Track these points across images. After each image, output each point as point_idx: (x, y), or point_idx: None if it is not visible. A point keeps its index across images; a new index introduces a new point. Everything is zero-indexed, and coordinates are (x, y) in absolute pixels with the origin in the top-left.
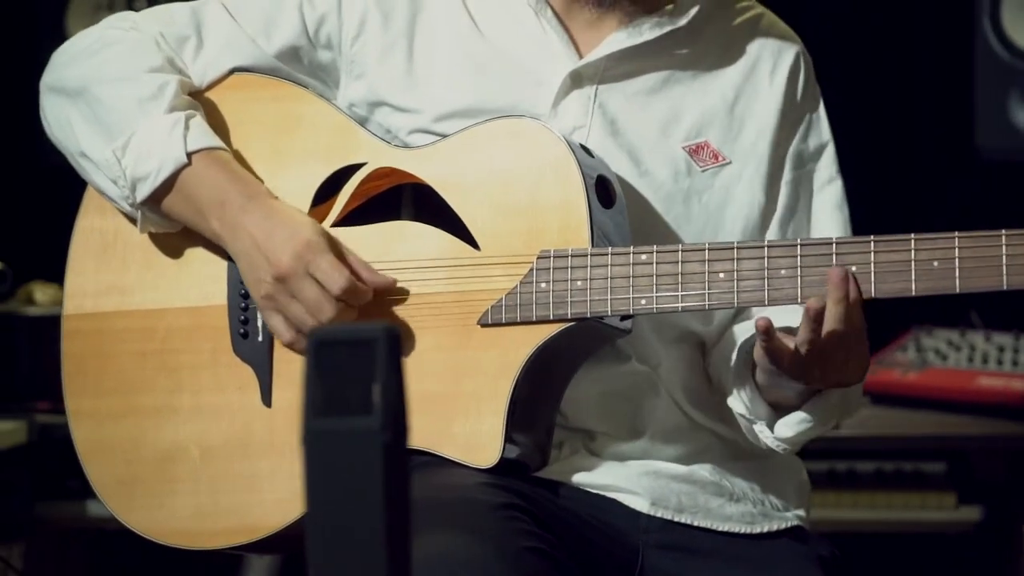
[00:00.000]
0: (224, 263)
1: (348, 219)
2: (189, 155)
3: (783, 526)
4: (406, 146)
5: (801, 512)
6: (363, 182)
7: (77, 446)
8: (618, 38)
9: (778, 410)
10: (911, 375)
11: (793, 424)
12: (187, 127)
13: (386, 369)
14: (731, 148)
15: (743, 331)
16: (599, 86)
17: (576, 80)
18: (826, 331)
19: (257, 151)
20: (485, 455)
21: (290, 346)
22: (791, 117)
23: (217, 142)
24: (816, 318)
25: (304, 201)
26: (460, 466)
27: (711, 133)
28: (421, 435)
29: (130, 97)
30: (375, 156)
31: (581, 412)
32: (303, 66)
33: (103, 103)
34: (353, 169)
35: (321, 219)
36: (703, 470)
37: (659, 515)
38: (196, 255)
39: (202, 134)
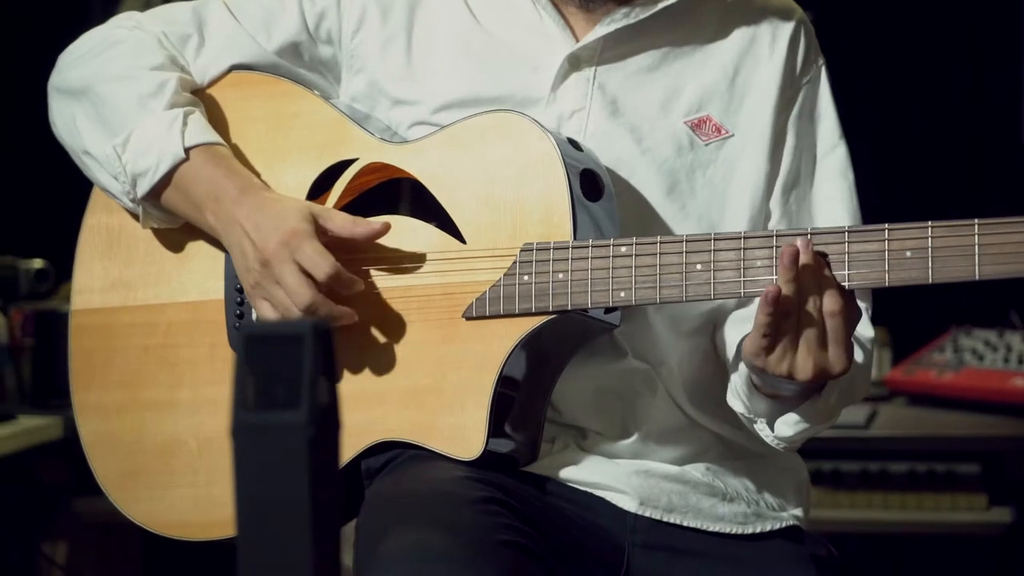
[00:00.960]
0: (223, 258)
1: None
2: (187, 150)
3: (778, 526)
4: (399, 141)
5: (799, 512)
6: (355, 177)
7: (82, 440)
8: (613, 18)
9: (781, 403)
10: (947, 375)
11: (792, 424)
12: (185, 123)
13: (313, 364)
14: (733, 121)
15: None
16: (597, 67)
17: (574, 63)
18: (782, 314)
19: (255, 148)
20: (469, 448)
21: None
22: (792, 85)
23: (215, 137)
24: (772, 302)
25: (300, 196)
26: (446, 459)
27: (712, 107)
28: (408, 427)
29: (131, 95)
30: (366, 151)
31: (573, 408)
32: (304, 62)
33: (105, 101)
34: (346, 165)
35: None
36: (696, 470)
37: (647, 515)
38: (197, 251)
39: (200, 130)
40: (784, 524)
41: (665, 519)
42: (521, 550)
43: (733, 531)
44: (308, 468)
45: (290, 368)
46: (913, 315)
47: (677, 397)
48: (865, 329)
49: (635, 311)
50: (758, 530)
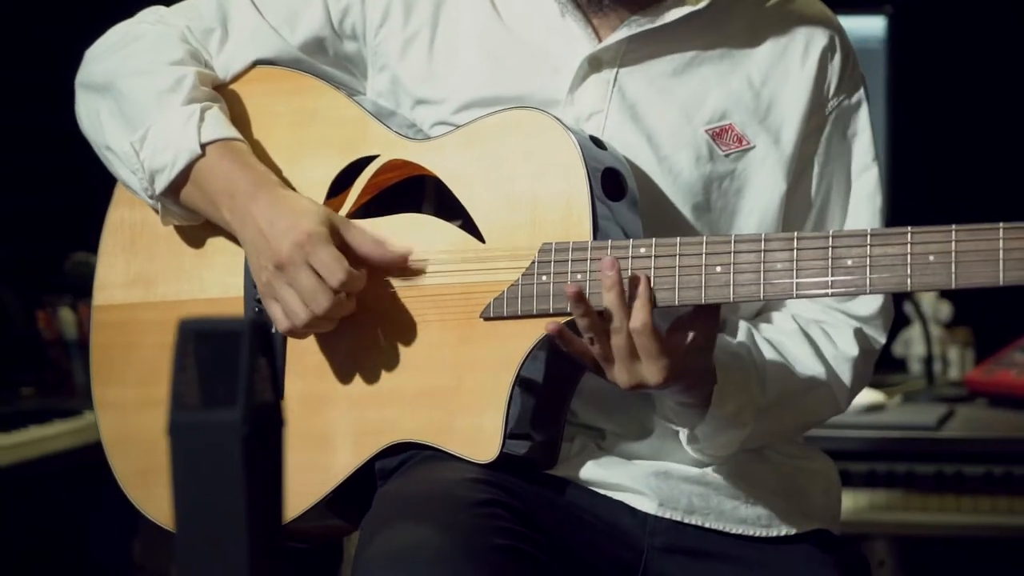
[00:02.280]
0: (242, 255)
1: (363, 211)
2: (203, 146)
3: (804, 529)
4: (421, 138)
5: (827, 515)
6: (376, 174)
7: (102, 436)
8: (638, 21)
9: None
10: None
11: (704, 434)
12: (202, 119)
13: (250, 362)
14: (755, 131)
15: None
16: (619, 70)
17: (594, 64)
18: (602, 329)
19: (276, 143)
20: (485, 450)
21: (288, 334)
22: (823, 103)
23: (232, 133)
24: (573, 298)
25: (320, 193)
26: (461, 461)
27: (736, 116)
28: (424, 429)
29: (150, 90)
30: (387, 148)
31: (590, 409)
32: (329, 57)
33: (125, 96)
34: (366, 161)
35: (335, 211)
36: (718, 471)
37: (667, 516)
38: (217, 247)
39: (217, 125)
40: (811, 527)
41: (686, 521)
42: (517, 555)
43: (757, 534)
44: (244, 468)
45: (226, 366)
46: (999, 315)
47: None
48: (847, 346)
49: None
50: (783, 533)
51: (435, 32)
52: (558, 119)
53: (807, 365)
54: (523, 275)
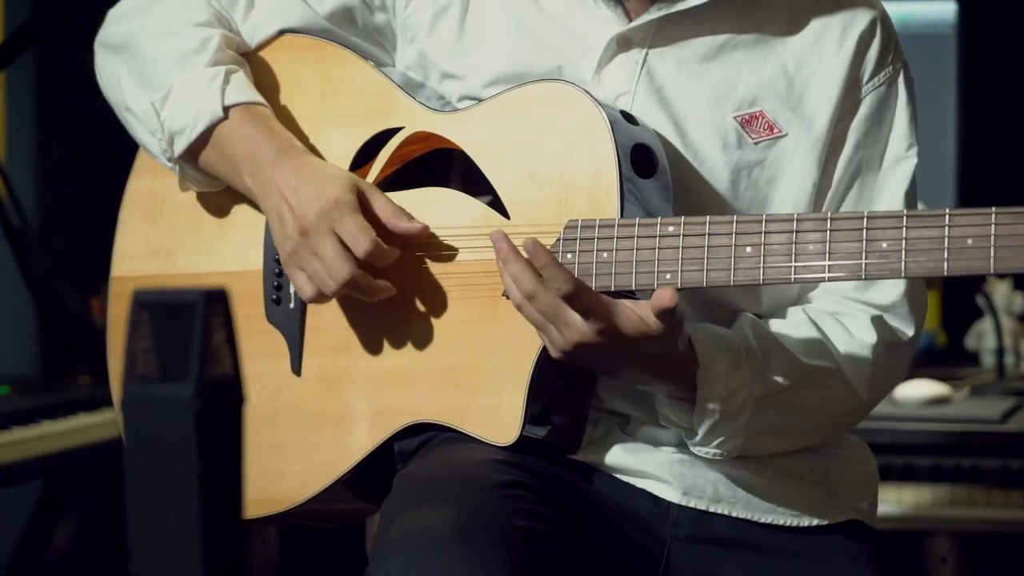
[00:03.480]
0: (263, 227)
1: (388, 183)
2: (226, 109)
3: (838, 520)
4: (449, 110)
5: (863, 506)
6: (400, 146)
7: (117, 412)
8: (671, 1)
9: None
10: None
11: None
12: (227, 81)
13: (203, 335)
14: (788, 119)
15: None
16: (649, 51)
17: (623, 44)
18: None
19: (301, 113)
20: (505, 433)
21: (312, 302)
22: (858, 88)
23: (256, 97)
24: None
25: (344, 164)
26: (483, 443)
27: (767, 103)
28: (444, 409)
29: (172, 51)
30: (412, 120)
31: (615, 395)
32: (358, 28)
33: (146, 56)
34: (391, 133)
35: None
36: (747, 460)
37: (691, 506)
38: (238, 219)
39: (241, 88)
40: (845, 518)
41: (711, 510)
42: (539, 537)
43: (787, 523)
44: (196, 442)
45: (180, 339)
46: None
47: None
48: (863, 333)
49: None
50: (815, 523)
51: (467, 6)
52: (588, 92)
53: (815, 353)
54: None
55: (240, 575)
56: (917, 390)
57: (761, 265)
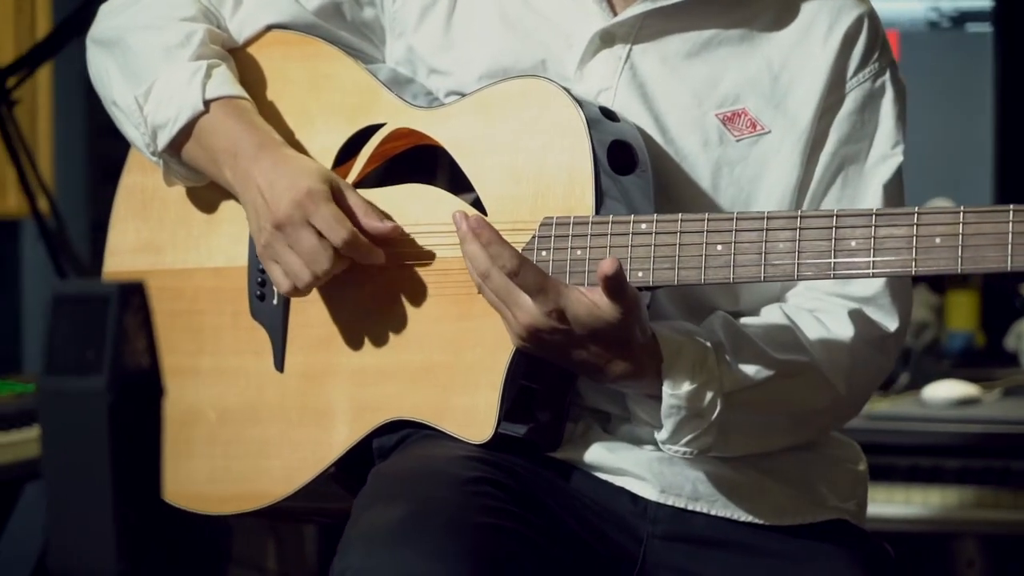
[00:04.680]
0: (247, 223)
1: (372, 179)
2: (207, 103)
3: (820, 519)
4: (432, 106)
5: (850, 506)
6: (382, 142)
7: None
8: None
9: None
10: None
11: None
12: (208, 75)
13: (117, 328)
14: (771, 116)
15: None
16: (633, 46)
17: (607, 39)
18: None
19: (287, 109)
20: (480, 430)
21: (289, 295)
22: (841, 84)
23: (238, 91)
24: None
25: (327, 160)
26: (460, 441)
27: (750, 100)
28: (421, 407)
29: (157, 45)
30: (395, 116)
31: (596, 393)
32: (346, 23)
33: (133, 51)
34: (374, 129)
35: (342, 179)
36: (728, 459)
37: (669, 504)
38: (225, 215)
39: (223, 82)
40: (828, 518)
41: (690, 508)
42: (502, 533)
43: (768, 522)
44: (108, 436)
45: (95, 331)
46: None
47: None
48: (838, 327)
49: (653, 294)
50: (797, 522)
51: (454, 2)
52: (566, 89)
53: (788, 347)
54: (523, 250)
55: (157, 567)
56: (945, 391)
57: (732, 264)
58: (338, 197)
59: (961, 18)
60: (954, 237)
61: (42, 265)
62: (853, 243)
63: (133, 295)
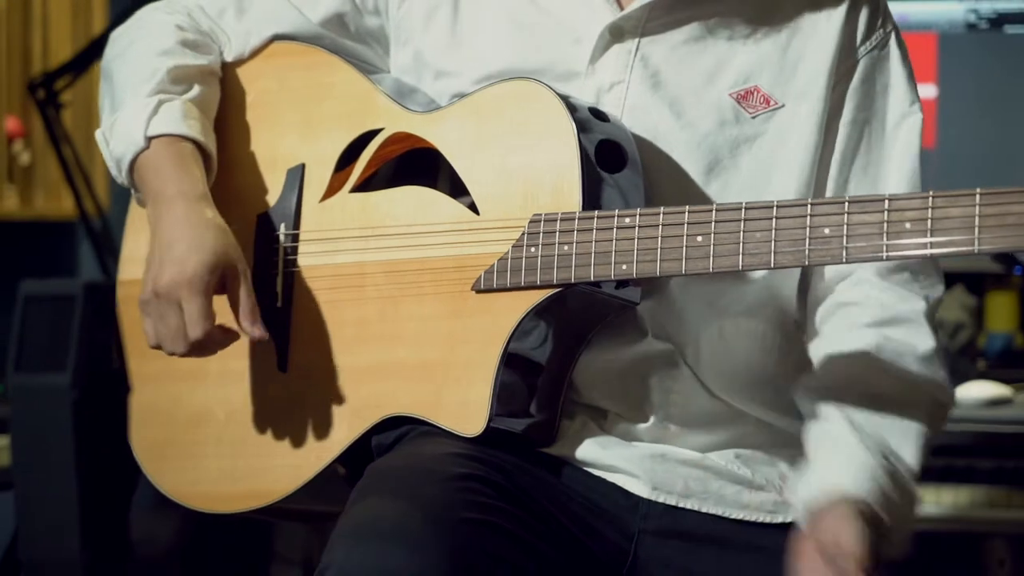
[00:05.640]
0: (252, 230)
1: (383, 178)
2: (148, 139)
3: None
4: (426, 110)
5: None
6: (381, 146)
7: (129, 410)
8: None
9: None
10: None
11: None
12: (155, 111)
13: (82, 327)
14: (783, 91)
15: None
16: (641, 39)
17: (616, 34)
18: None
19: (290, 118)
20: (473, 424)
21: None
22: (852, 54)
23: (182, 130)
24: None
25: (328, 166)
26: (455, 437)
27: (762, 77)
28: (417, 402)
29: (129, 79)
30: (392, 121)
31: (592, 389)
32: (351, 33)
33: (114, 84)
34: (373, 135)
35: (341, 184)
36: (722, 457)
37: (661, 500)
38: (230, 222)
39: (168, 120)
40: None
41: (681, 505)
42: (487, 528)
43: (760, 519)
44: (72, 429)
45: (62, 330)
46: None
47: (707, 380)
48: (919, 338)
49: (658, 288)
50: (790, 520)
51: (458, 3)
52: (554, 90)
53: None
54: (513, 247)
55: (120, 557)
56: (977, 391)
57: (711, 254)
58: (230, 286)
59: (999, 20)
60: (923, 222)
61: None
62: (827, 230)
63: (99, 295)
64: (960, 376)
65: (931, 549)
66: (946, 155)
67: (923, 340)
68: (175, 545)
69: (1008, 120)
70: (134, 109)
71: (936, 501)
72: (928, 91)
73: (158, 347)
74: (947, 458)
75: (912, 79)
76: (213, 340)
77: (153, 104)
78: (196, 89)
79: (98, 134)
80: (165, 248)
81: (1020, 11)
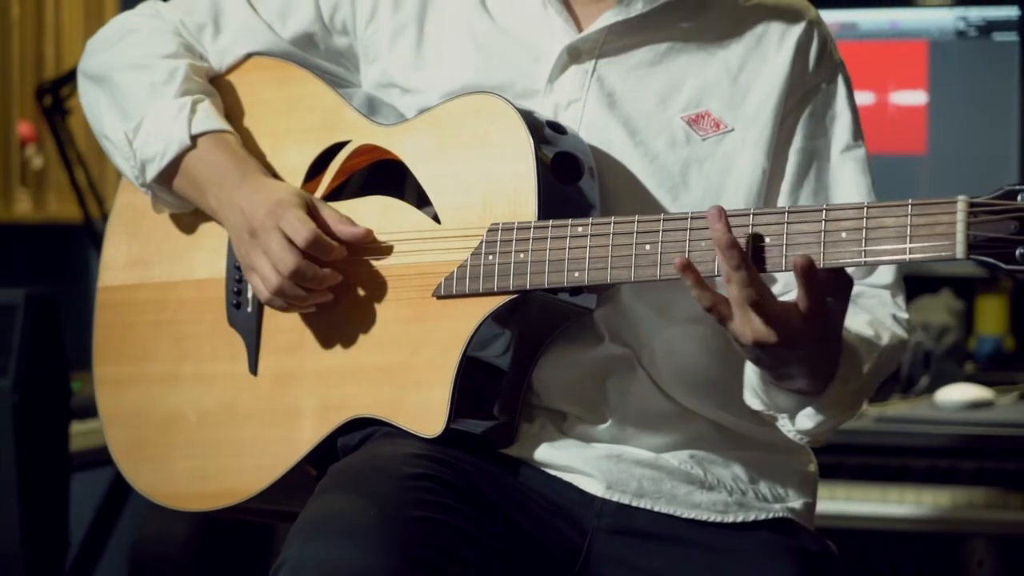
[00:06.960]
0: (226, 237)
1: (350, 189)
2: (193, 138)
3: (764, 517)
4: (391, 123)
5: (796, 505)
6: (348, 158)
7: (100, 411)
8: (616, 11)
9: (798, 396)
10: None
11: (811, 416)
12: (193, 111)
13: (23, 333)
14: (733, 116)
15: None
16: (598, 60)
17: (574, 55)
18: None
19: (263, 130)
20: (432, 425)
21: (268, 304)
22: (801, 86)
23: (223, 125)
24: (682, 269)
25: (298, 177)
26: (416, 438)
27: (712, 102)
28: (379, 404)
29: (144, 82)
30: (359, 134)
31: (552, 392)
32: (320, 52)
33: (120, 89)
34: (340, 146)
35: (311, 194)
36: (675, 458)
37: (615, 499)
38: (207, 231)
39: (207, 117)
40: (772, 515)
41: (634, 504)
42: (437, 526)
43: (711, 519)
44: (13, 434)
45: (5, 337)
46: None
47: (662, 383)
48: (885, 311)
49: (612, 294)
50: (739, 519)
51: (423, 22)
52: (512, 104)
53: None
54: (472, 254)
55: (59, 554)
56: (958, 394)
57: (659, 262)
58: (312, 209)
59: (988, 27)
60: (859, 232)
61: None
62: (767, 239)
63: (40, 303)
64: (947, 378)
65: (912, 549)
66: (936, 161)
67: (891, 309)
68: (179, 545)
69: (997, 126)
70: (165, 110)
71: (917, 501)
72: (919, 97)
73: (269, 300)
74: (929, 459)
75: (856, 113)
76: (322, 240)
77: (188, 104)
78: (211, 88)
79: (109, 138)
80: (247, 207)
81: (1009, 19)
